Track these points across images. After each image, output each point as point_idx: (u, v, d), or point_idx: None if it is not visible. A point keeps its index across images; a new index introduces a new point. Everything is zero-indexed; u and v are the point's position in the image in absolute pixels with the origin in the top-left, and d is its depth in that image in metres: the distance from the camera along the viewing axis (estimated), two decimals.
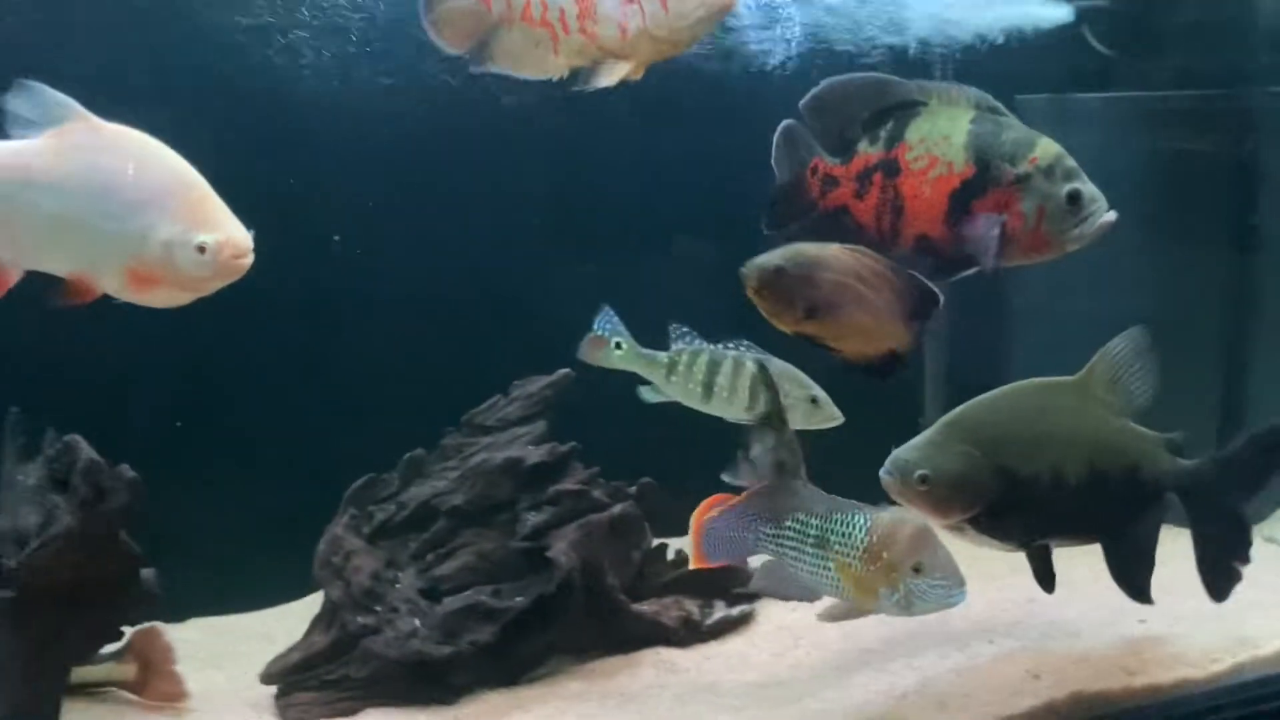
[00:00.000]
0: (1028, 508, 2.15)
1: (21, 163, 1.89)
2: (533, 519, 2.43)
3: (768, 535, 2.01)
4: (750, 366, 2.40)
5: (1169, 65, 3.39)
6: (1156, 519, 2.22)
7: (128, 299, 1.88)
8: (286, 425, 2.74)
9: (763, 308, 2.15)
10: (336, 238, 2.95)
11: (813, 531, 1.98)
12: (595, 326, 2.48)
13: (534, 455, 2.49)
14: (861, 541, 1.94)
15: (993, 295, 3.11)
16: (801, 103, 2.21)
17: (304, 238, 2.72)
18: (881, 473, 2.19)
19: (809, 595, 2.08)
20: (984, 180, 2.11)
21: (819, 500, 2.00)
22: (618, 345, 2.46)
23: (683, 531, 2.23)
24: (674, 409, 2.53)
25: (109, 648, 2.38)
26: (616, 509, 2.49)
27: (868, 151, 2.18)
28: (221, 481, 2.71)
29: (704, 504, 2.05)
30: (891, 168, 2.17)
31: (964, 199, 2.12)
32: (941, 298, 2.14)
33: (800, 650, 2.54)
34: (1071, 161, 2.15)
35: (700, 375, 2.43)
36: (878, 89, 2.21)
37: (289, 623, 2.70)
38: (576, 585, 2.36)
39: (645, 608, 2.52)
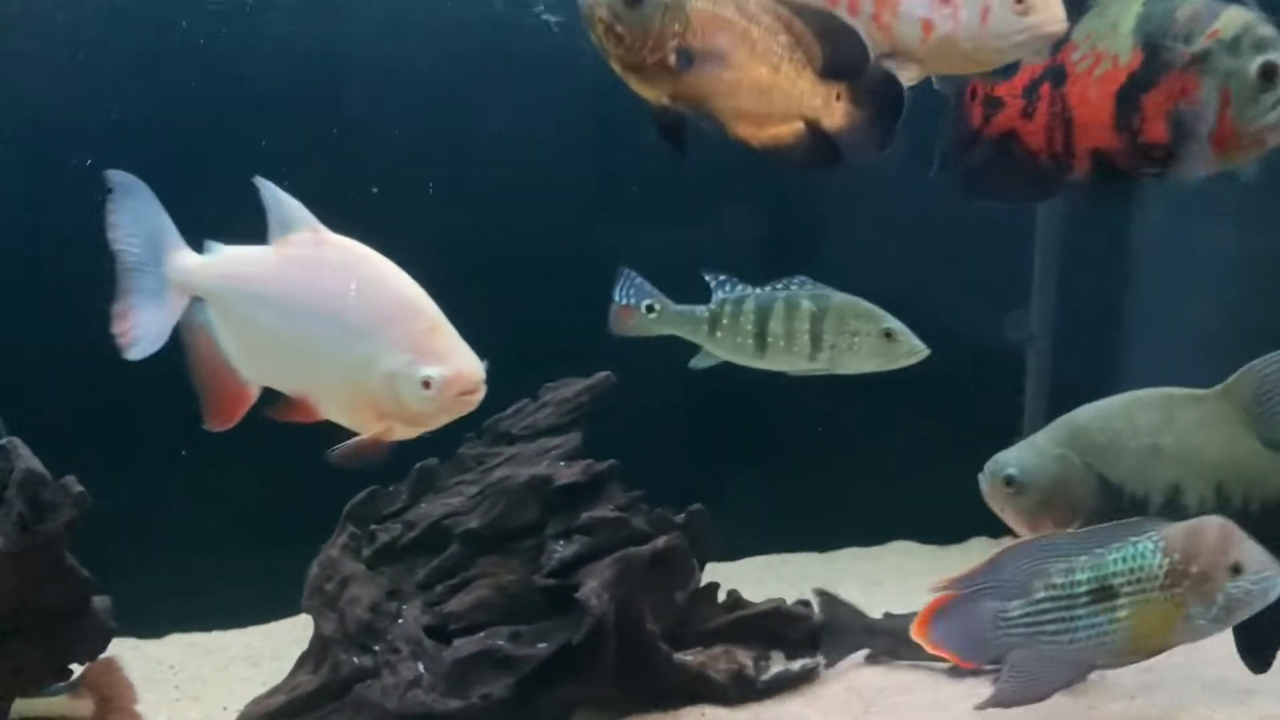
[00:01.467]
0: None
1: (247, 273, 1.82)
2: (561, 550, 2.07)
3: (1015, 620, 1.70)
4: (807, 305, 2.10)
5: None
6: None
7: (351, 427, 1.75)
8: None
9: (618, 57, 1.70)
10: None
11: (1084, 586, 1.67)
12: (617, 295, 2.20)
13: (565, 474, 2.15)
14: (1159, 565, 1.67)
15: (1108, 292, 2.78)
16: None
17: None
18: (982, 480, 2.01)
19: (1077, 677, 1.78)
20: (1152, 68, 1.75)
21: (1078, 543, 1.70)
22: (649, 309, 2.19)
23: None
24: (730, 406, 2.26)
25: (63, 683, 2.10)
26: (660, 542, 2.13)
27: (1033, 61, 1.81)
28: (207, 484, 2.45)
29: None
30: (1059, 75, 1.82)
31: (1132, 95, 1.76)
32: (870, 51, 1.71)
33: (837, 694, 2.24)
34: (1268, 29, 1.73)
35: (750, 325, 2.15)
36: None
37: (276, 643, 2.51)
38: (609, 632, 2.00)
39: (690, 658, 2.18)
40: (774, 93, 1.71)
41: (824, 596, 2.35)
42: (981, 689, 2.00)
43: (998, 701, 1.77)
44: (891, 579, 3.04)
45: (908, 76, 1.73)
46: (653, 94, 1.69)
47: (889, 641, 2.33)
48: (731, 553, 2.71)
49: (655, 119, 1.71)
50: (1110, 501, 1.88)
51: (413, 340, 1.76)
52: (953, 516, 2.28)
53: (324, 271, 1.78)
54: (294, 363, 1.83)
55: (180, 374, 2.13)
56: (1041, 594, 1.67)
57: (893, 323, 2.10)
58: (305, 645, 2.25)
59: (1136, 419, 1.99)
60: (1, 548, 1.75)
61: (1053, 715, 2.08)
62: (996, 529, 2.71)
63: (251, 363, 1.80)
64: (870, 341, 2.08)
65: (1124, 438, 1.96)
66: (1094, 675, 2.03)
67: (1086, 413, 2.02)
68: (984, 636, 1.70)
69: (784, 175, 2.47)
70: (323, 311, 1.77)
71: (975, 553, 3.05)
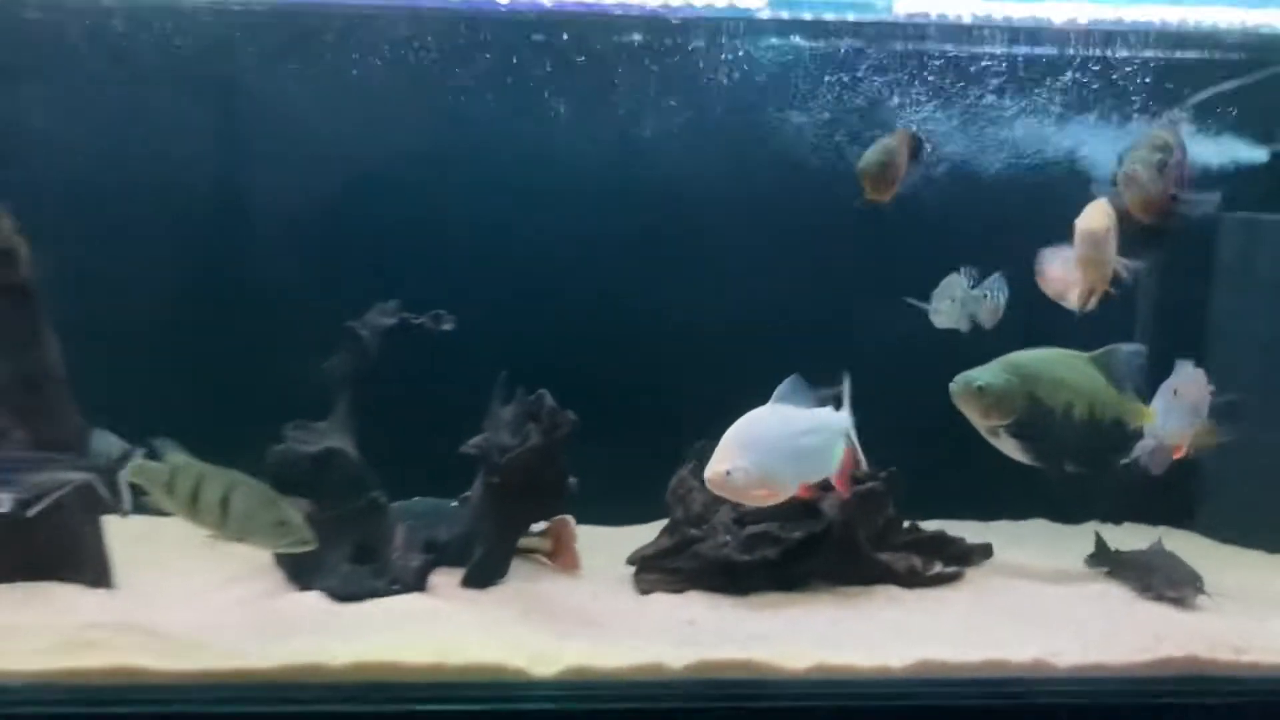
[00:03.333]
0: (1043, 428, 3.16)
1: None
2: None
3: None
4: None
5: None
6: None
7: None
8: (656, 398, 4.01)
9: None
10: None
11: None
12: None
13: None
14: None
15: None
16: None
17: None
18: (951, 384, 3.18)
19: None
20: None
21: None
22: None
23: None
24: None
25: (538, 526, 3.75)
26: (865, 485, 3.59)
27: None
28: (610, 430, 3.61)
29: None
30: None
31: None
32: None
33: (986, 601, 3.51)
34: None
35: None
36: None
37: (638, 537, 3.81)
38: (835, 530, 3.49)
39: (884, 557, 3.60)
40: None
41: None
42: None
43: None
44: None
45: None
46: None
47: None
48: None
49: None
50: (1031, 409, 3.20)
51: None
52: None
53: None
54: None
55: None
56: None
57: None
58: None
59: (1052, 362, 3.30)
60: (537, 444, 3.45)
61: None
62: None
63: None
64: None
65: (1043, 372, 3.27)
66: None
67: (1024, 355, 3.29)
68: None
69: None
70: None
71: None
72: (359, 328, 3.55)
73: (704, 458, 3.55)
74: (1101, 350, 3.34)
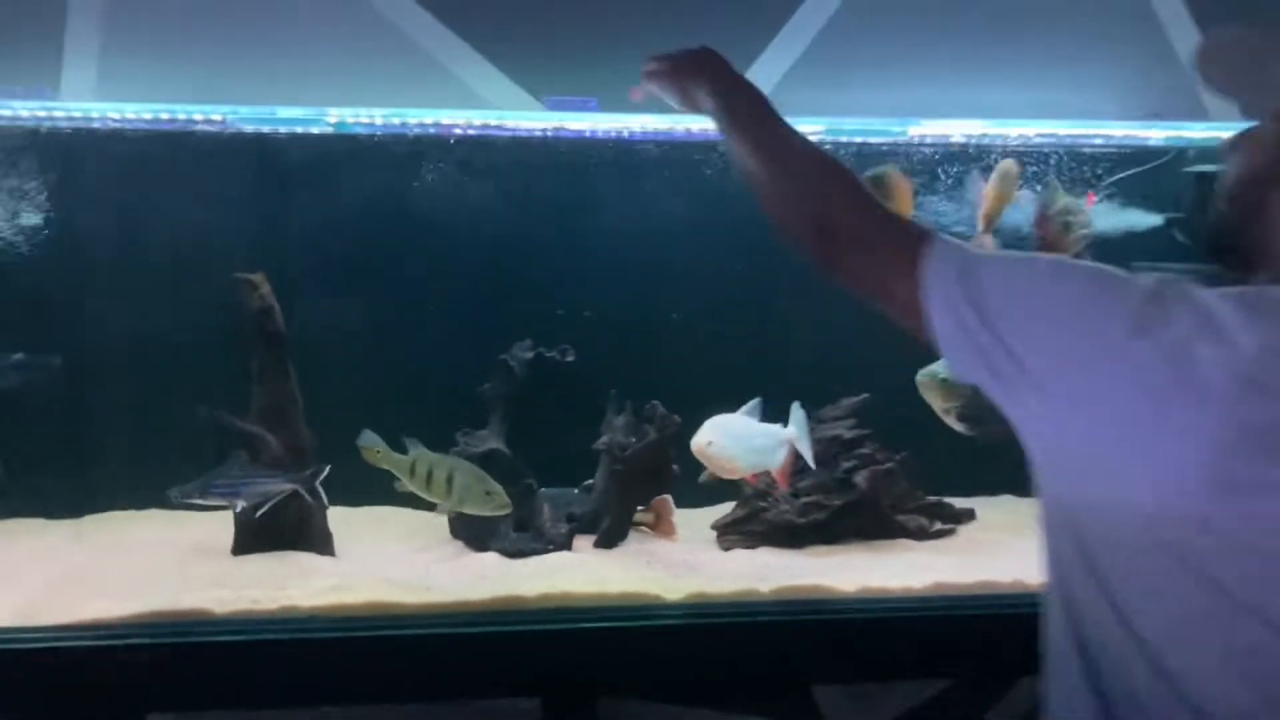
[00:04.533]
0: (980, 408, 3.76)
1: None
2: (846, 465, 4.82)
3: None
4: None
5: None
6: None
7: None
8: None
9: None
10: None
11: None
12: None
13: (848, 433, 4.87)
14: None
15: None
16: None
17: None
18: (917, 376, 4.02)
19: None
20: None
21: None
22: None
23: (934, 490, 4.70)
24: None
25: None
26: (886, 465, 4.86)
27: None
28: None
29: None
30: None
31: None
32: None
33: (975, 547, 4.75)
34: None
35: None
36: None
37: (712, 513, 4.93)
38: (866, 499, 4.77)
39: (900, 518, 4.87)
40: None
41: None
42: None
43: None
44: None
45: None
46: None
47: None
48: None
49: None
50: (973, 394, 3.88)
51: None
52: None
53: None
54: None
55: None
56: None
57: None
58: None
59: None
60: (654, 439, 4.66)
61: None
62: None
63: None
64: None
65: None
66: None
67: None
68: None
69: None
70: None
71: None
72: (509, 359, 4.80)
73: None
74: None
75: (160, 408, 4.43)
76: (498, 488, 4.11)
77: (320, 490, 4.28)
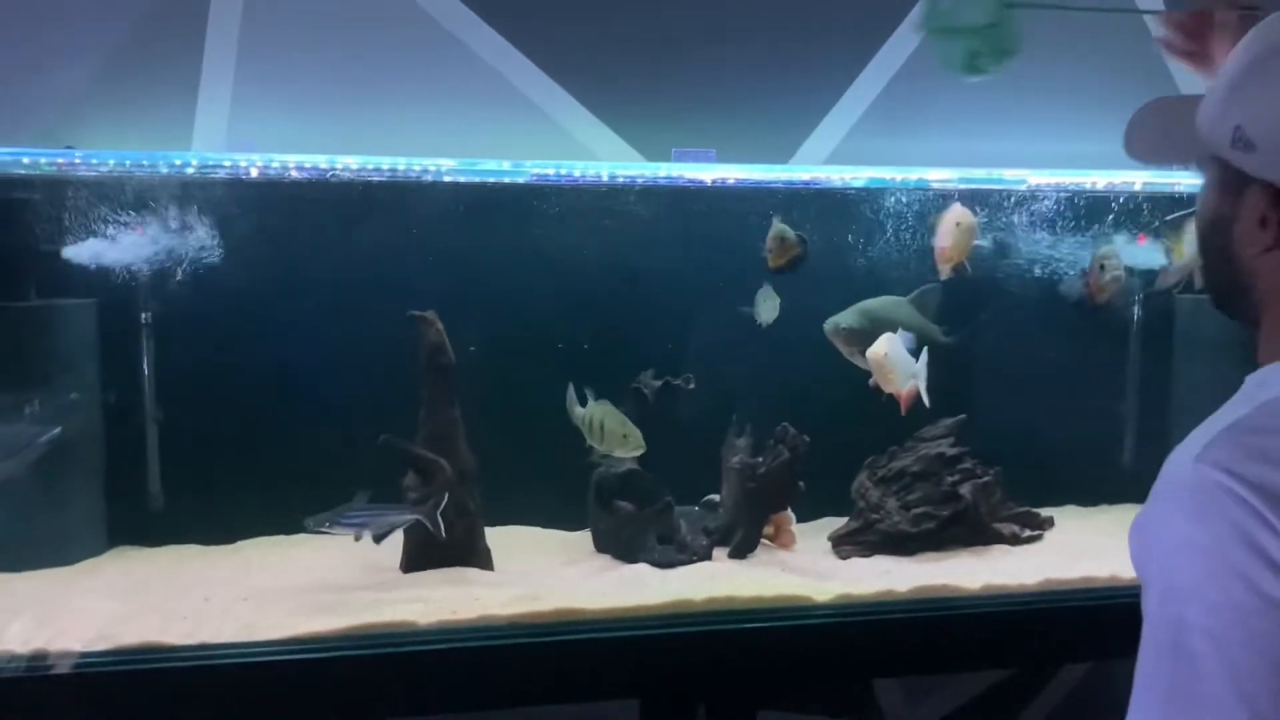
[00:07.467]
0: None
1: None
2: (950, 479, 5.36)
3: None
4: None
5: None
6: None
7: None
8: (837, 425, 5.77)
9: None
10: None
11: None
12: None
13: (950, 450, 5.42)
14: None
15: None
16: None
17: None
18: (825, 325, 4.67)
19: None
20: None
21: None
22: None
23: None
24: None
25: None
26: (983, 479, 5.42)
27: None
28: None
29: None
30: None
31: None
32: None
33: (1064, 549, 5.32)
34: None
35: None
36: None
37: (826, 527, 5.38)
38: (970, 509, 5.31)
39: (998, 526, 5.43)
40: None
41: None
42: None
43: None
44: None
45: None
46: None
47: None
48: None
49: None
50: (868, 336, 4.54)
51: None
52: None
53: None
54: None
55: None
56: None
57: None
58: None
59: (888, 304, 4.76)
60: (786, 458, 5.13)
61: None
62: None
63: None
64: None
65: (881, 312, 4.86)
66: None
67: (869, 301, 4.70)
68: None
69: None
70: None
71: None
72: (641, 386, 5.25)
73: (874, 466, 5.29)
74: (916, 291, 4.90)
75: (309, 438, 5.07)
76: (635, 430, 4.61)
77: (440, 520, 4.58)
